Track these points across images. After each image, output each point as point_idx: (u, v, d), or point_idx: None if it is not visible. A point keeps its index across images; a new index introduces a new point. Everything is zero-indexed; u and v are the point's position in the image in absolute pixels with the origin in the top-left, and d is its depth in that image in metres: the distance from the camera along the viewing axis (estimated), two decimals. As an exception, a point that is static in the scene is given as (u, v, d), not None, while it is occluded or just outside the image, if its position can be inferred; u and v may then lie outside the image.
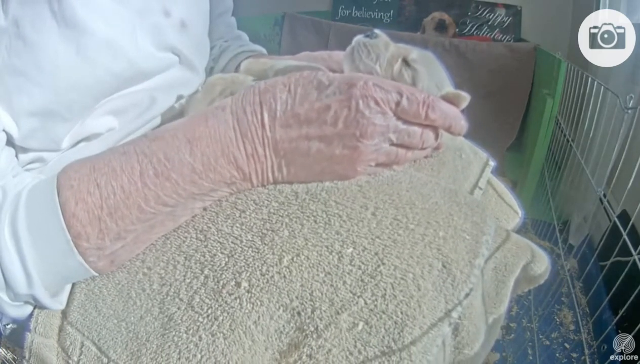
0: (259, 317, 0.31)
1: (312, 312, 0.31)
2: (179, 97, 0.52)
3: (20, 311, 0.34)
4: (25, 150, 0.38)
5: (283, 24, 1.86)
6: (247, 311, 0.31)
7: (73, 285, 0.36)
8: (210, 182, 0.34)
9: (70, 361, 0.34)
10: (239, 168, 0.34)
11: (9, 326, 0.39)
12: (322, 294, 0.31)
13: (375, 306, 0.30)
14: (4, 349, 0.42)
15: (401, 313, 0.30)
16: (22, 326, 0.37)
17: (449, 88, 0.43)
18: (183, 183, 0.33)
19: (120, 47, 0.39)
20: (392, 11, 2.04)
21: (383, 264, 0.31)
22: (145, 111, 0.47)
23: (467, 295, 0.32)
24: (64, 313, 0.36)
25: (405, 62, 0.42)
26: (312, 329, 0.30)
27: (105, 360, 0.33)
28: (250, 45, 0.71)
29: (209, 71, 0.66)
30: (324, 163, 0.35)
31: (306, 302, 0.31)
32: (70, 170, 0.33)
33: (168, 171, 0.32)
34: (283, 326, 0.31)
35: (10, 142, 0.36)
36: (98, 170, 0.33)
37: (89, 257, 0.33)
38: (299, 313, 0.31)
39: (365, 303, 0.31)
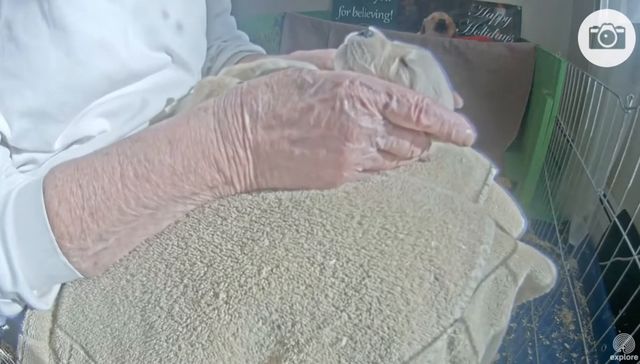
0: (237, 329, 0.30)
1: (293, 326, 0.30)
2: (170, 100, 0.51)
3: (10, 308, 0.34)
4: (18, 151, 0.37)
5: (283, 24, 1.85)
6: (225, 322, 0.30)
7: (62, 288, 0.36)
8: (191, 185, 0.33)
9: None
10: (220, 171, 0.33)
11: (4, 328, 0.39)
12: (302, 307, 0.30)
13: (360, 321, 0.29)
14: (3, 350, 0.41)
15: (388, 328, 0.29)
16: (15, 327, 0.37)
17: (446, 90, 0.40)
18: (163, 185, 0.32)
19: (110, 47, 0.38)
20: (392, 11, 2.02)
21: (368, 276, 0.30)
22: (137, 114, 0.47)
23: (462, 309, 0.30)
24: (54, 316, 0.36)
25: (403, 63, 0.39)
26: (293, 343, 0.29)
27: None
28: (249, 45, 0.71)
29: (206, 71, 0.66)
30: (308, 167, 0.33)
31: (286, 315, 0.30)
32: (56, 170, 0.33)
33: (148, 172, 0.32)
34: (263, 339, 0.30)
35: (4, 143, 0.36)
36: (81, 170, 0.32)
37: (72, 257, 0.32)
38: (279, 326, 0.30)
39: (349, 318, 0.29)
